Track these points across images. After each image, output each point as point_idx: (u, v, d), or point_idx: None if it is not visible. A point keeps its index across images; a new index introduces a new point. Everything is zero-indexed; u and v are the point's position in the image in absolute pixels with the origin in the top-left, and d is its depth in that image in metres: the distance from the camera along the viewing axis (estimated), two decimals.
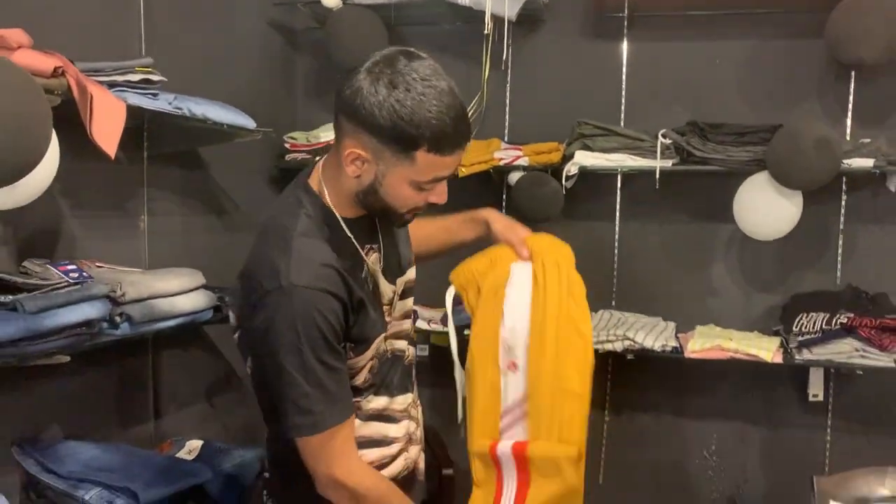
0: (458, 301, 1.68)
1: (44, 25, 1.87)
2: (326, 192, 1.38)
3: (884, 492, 1.93)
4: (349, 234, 1.38)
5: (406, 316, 1.56)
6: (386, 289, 1.46)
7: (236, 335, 1.43)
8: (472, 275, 1.65)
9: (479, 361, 1.59)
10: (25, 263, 1.85)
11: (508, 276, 1.60)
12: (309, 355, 1.28)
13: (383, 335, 1.44)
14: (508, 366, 1.58)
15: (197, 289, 2.03)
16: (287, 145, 2.85)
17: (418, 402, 1.64)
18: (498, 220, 1.67)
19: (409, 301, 1.58)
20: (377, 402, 1.48)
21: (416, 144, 1.25)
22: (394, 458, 1.52)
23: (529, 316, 1.55)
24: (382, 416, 1.49)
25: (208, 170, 2.60)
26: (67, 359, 1.63)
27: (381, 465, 1.48)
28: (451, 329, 1.69)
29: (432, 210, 1.44)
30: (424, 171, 1.29)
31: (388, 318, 1.46)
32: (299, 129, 2.92)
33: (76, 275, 1.72)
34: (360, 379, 1.43)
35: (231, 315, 1.45)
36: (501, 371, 1.58)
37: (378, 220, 1.46)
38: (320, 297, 1.28)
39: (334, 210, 1.38)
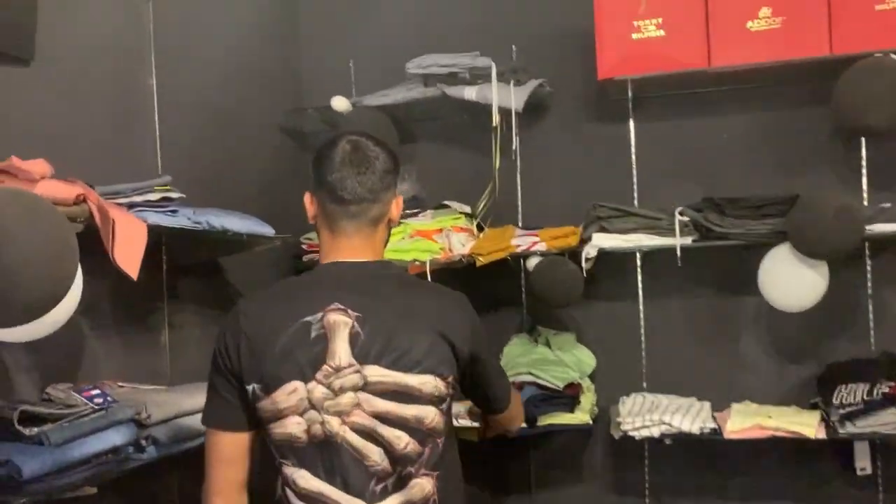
0: None
1: (63, 151, 1.90)
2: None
3: None
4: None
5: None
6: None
7: None
8: None
9: None
10: (49, 390, 1.81)
11: None
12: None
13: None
14: None
15: None
16: (304, 246, 2.85)
17: None
18: None
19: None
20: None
21: None
22: None
23: None
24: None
25: (227, 277, 2.59)
26: (94, 490, 1.56)
27: None
28: None
29: None
30: None
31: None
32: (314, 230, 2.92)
33: (101, 400, 1.68)
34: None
35: None
36: None
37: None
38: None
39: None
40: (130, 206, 1.78)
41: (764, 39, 2.40)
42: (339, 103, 2.69)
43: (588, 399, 2.59)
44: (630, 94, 2.74)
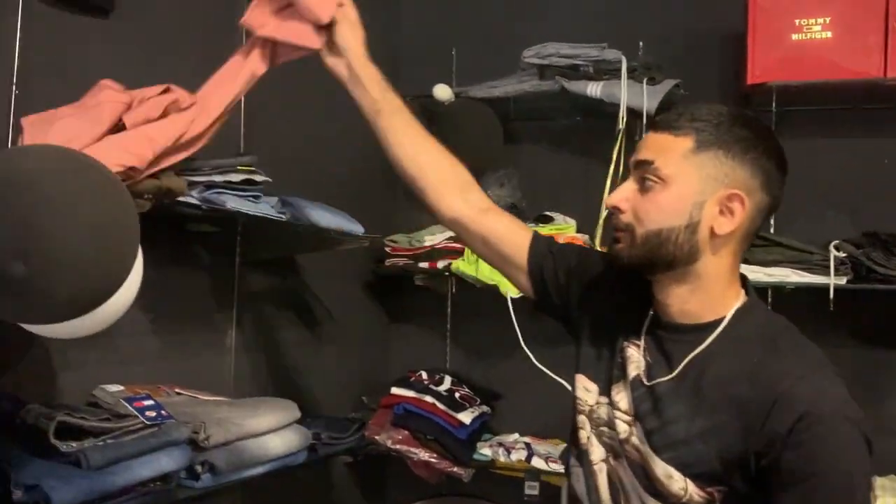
0: None
1: None
2: None
3: None
4: None
5: None
6: None
7: None
8: None
9: None
10: (96, 392, 1.55)
11: None
12: None
13: None
14: None
15: (290, 425, 1.70)
16: (387, 249, 2.56)
17: None
18: None
19: None
20: None
21: None
22: None
23: None
24: None
25: (303, 276, 2.31)
26: None
27: None
28: None
29: None
30: None
31: None
32: (399, 231, 2.64)
33: (153, 413, 1.41)
34: None
35: None
36: None
37: None
38: None
39: None
40: (208, 185, 1.51)
41: None
42: (442, 92, 2.40)
43: None
44: (774, 105, 2.36)
